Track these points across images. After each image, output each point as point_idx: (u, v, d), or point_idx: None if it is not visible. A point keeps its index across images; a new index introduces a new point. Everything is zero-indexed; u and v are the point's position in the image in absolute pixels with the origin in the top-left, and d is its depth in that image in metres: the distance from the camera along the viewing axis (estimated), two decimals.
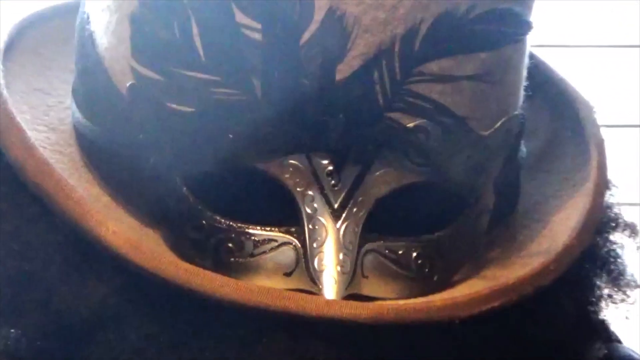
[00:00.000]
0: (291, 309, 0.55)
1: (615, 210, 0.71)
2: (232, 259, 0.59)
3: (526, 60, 0.65)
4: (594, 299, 0.69)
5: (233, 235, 0.60)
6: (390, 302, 0.59)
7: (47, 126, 0.68)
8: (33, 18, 0.76)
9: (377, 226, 0.60)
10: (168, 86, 0.58)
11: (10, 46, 0.71)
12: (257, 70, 0.56)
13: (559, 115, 0.75)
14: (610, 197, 0.71)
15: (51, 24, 0.77)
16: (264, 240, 0.60)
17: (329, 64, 0.56)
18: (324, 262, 0.59)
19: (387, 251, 0.60)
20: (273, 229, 0.60)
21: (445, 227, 0.62)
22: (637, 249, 0.72)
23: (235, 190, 0.60)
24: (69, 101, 0.70)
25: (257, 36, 0.55)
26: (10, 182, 0.62)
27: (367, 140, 0.58)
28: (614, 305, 0.70)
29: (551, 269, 0.62)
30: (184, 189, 0.60)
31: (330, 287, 0.58)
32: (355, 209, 0.59)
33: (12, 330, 0.60)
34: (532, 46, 0.65)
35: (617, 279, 0.70)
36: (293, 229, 0.60)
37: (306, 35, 0.55)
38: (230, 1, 0.55)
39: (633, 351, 0.74)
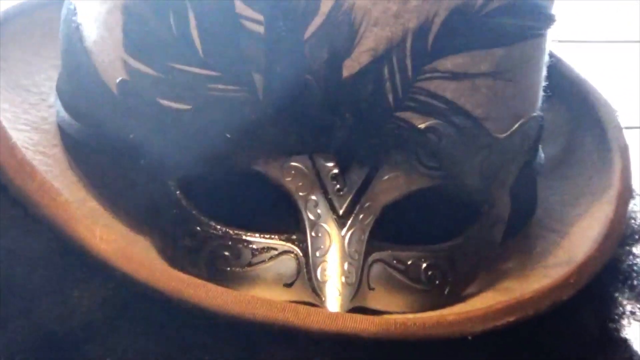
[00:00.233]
0: (291, 322, 0.55)
1: None
2: (229, 269, 0.59)
3: (546, 58, 0.65)
4: (615, 316, 0.69)
5: (230, 242, 0.60)
6: (398, 316, 0.59)
7: (30, 125, 0.69)
8: (14, 10, 0.76)
9: (384, 234, 0.60)
10: (162, 82, 0.58)
11: None
12: (258, 65, 0.56)
13: (579, 117, 0.75)
14: (634, 206, 0.71)
15: (34, 16, 0.77)
16: (263, 248, 0.59)
17: (336, 59, 0.56)
18: (327, 273, 0.59)
19: (395, 261, 0.60)
20: (273, 236, 0.60)
21: (458, 236, 0.63)
22: None
23: (233, 194, 0.60)
24: (53, 99, 0.70)
25: (259, 29, 0.56)
26: None
27: (375, 141, 0.58)
28: (637, 323, 0.70)
29: (570, 282, 0.62)
30: (178, 192, 0.60)
31: (333, 299, 0.58)
32: (361, 216, 0.59)
33: None
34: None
35: None
36: (294, 237, 0.60)
37: (311, 29, 0.55)
38: None
39: None
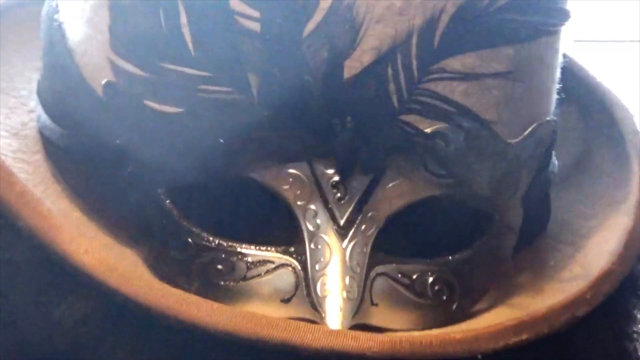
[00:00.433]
0: (289, 340, 0.55)
1: None
2: (222, 283, 0.59)
3: (560, 57, 0.65)
4: (634, 334, 0.69)
5: (223, 255, 0.59)
6: (403, 333, 0.59)
7: (9, 131, 0.68)
8: None
9: (388, 246, 0.60)
10: (151, 83, 0.58)
11: None
12: (253, 65, 0.56)
13: (594, 122, 0.75)
14: None
15: (12, 15, 0.77)
16: (259, 261, 0.59)
17: (336, 59, 0.56)
18: (327, 287, 0.59)
19: (399, 275, 0.60)
20: (269, 248, 0.60)
21: (466, 248, 0.63)
22: None
23: (226, 203, 0.60)
24: (34, 103, 0.70)
25: (255, 26, 0.56)
26: None
27: (378, 146, 0.58)
28: None
29: (586, 298, 0.62)
30: (167, 202, 0.60)
31: (334, 315, 0.58)
32: (363, 226, 0.59)
33: None
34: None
35: None
36: (292, 249, 0.59)
37: (310, 26, 0.55)
38: None
39: None
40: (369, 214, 0.59)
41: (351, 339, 0.55)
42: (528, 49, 0.60)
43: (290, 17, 0.55)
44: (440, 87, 0.57)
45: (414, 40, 0.56)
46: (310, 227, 0.59)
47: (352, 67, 0.56)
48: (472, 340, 0.57)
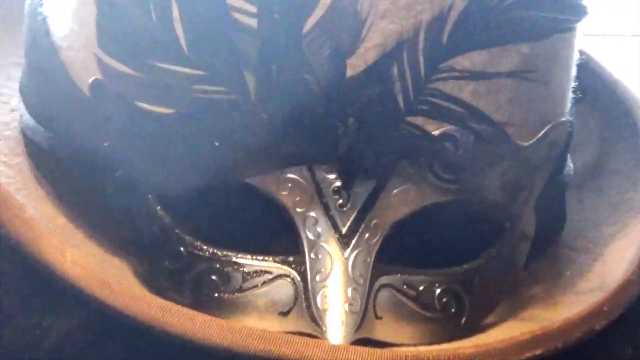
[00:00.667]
0: (288, 355, 0.55)
1: None
2: (217, 295, 0.60)
3: (576, 55, 0.65)
4: None
5: (217, 265, 0.60)
6: (408, 349, 0.60)
7: None
8: None
9: (393, 256, 0.60)
10: (141, 82, 0.58)
11: None
12: (250, 63, 0.56)
13: (613, 122, 0.75)
14: None
15: None
16: (255, 272, 0.60)
17: (339, 57, 0.56)
18: (328, 300, 0.59)
19: (405, 286, 0.61)
20: (266, 258, 0.60)
21: (476, 258, 0.63)
22: None
23: (221, 210, 0.60)
24: (16, 101, 0.70)
25: (252, 22, 0.56)
26: None
27: (382, 150, 0.58)
28: None
29: (604, 311, 0.62)
30: (158, 208, 0.60)
31: (336, 329, 0.58)
32: (367, 235, 0.60)
33: None
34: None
35: None
36: (291, 259, 0.60)
37: (311, 21, 0.56)
38: None
39: None
40: (373, 222, 0.59)
41: (354, 354, 0.55)
42: (542, 46, 0.60)
43: (289, 12, 0.55)
44: (448, 87, 0.58)
45: (421, 37, 0.57)
46: (311, 236, 0.59)
47: (355, 65, 0.56)
48: (482, 356, 0.57)
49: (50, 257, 0.57)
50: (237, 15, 0.56)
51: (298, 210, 0.59)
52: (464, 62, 0.58)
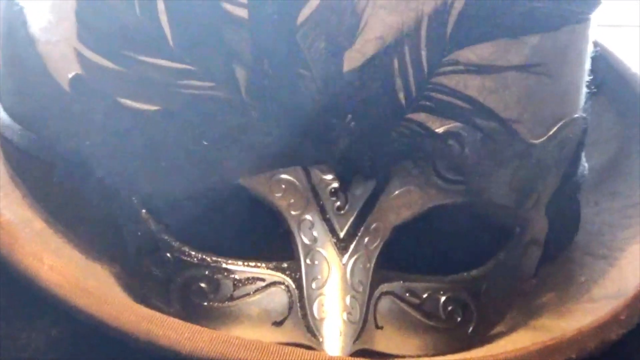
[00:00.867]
0: None
1: None
2: (206, 303, 0.60)
3: (590, 47, 0.65)
4: None
5: (207, 272, 0.60)
6: None
7: None
8: None
9: (394, 261, 0.60)
10: (124, 77, 0.58)
11: None
12: (240, 57, 0.56)
13: (631, 119, 0.75)
14: None
15: None
16: (247, 279, 0.60)
17: (335, 49, 0.56)
18: (325, 308, 0.59)
19: (407, 294, 0.61)
20: (259, 264, 0.60)
21: (483, 264, 0.63)
22: None
23: (211, 214, 0.60)
24: None
25: (242, 12, 0.56)
26: None
27: (382, 149, 0.58)
28: None
29: (621, 319, 0.62)
30: (143, 211, 0.60)
31: (333, 340, 0.58)
32: (366, 239, 0.60)
33: None
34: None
35: None
36: (285, 265, 0.60)
37: (306, 12, 0.56)
38: None
39: None
40: (373, 226, 0.59)
41: None
42: (553, 39, 0.60)
43: (282, 1, 0.55)
44: (453, 82, 0.58)
45: (424, 29, 0.57)
46: (306, 240, 0.59)
47: (353, 59, 0.56)
48: None
49: (28, 263, 0.57)
50: (227, 6, 0.56)
51: (293, 213, 0.59)
52: (469, 55, 0.58)
